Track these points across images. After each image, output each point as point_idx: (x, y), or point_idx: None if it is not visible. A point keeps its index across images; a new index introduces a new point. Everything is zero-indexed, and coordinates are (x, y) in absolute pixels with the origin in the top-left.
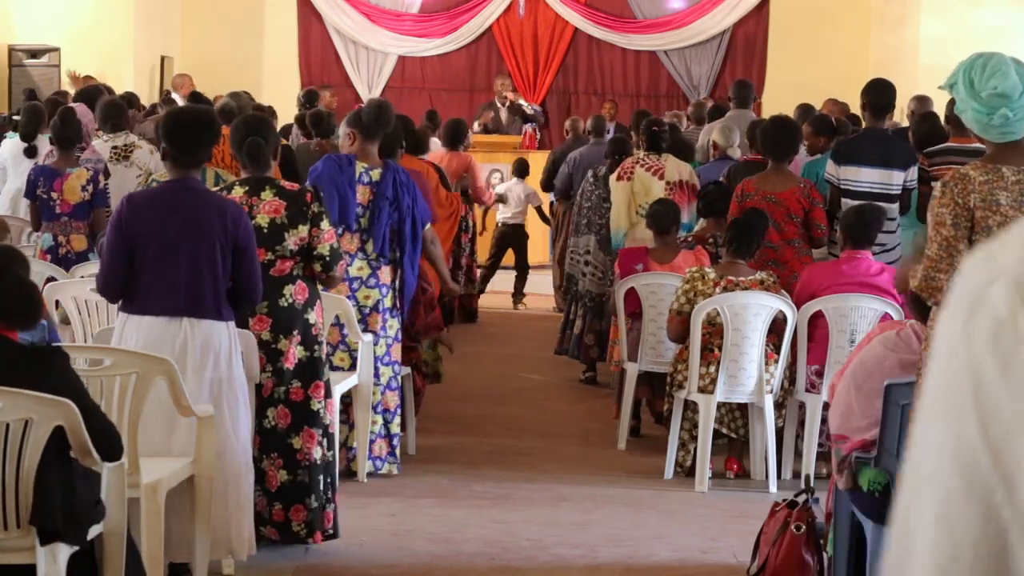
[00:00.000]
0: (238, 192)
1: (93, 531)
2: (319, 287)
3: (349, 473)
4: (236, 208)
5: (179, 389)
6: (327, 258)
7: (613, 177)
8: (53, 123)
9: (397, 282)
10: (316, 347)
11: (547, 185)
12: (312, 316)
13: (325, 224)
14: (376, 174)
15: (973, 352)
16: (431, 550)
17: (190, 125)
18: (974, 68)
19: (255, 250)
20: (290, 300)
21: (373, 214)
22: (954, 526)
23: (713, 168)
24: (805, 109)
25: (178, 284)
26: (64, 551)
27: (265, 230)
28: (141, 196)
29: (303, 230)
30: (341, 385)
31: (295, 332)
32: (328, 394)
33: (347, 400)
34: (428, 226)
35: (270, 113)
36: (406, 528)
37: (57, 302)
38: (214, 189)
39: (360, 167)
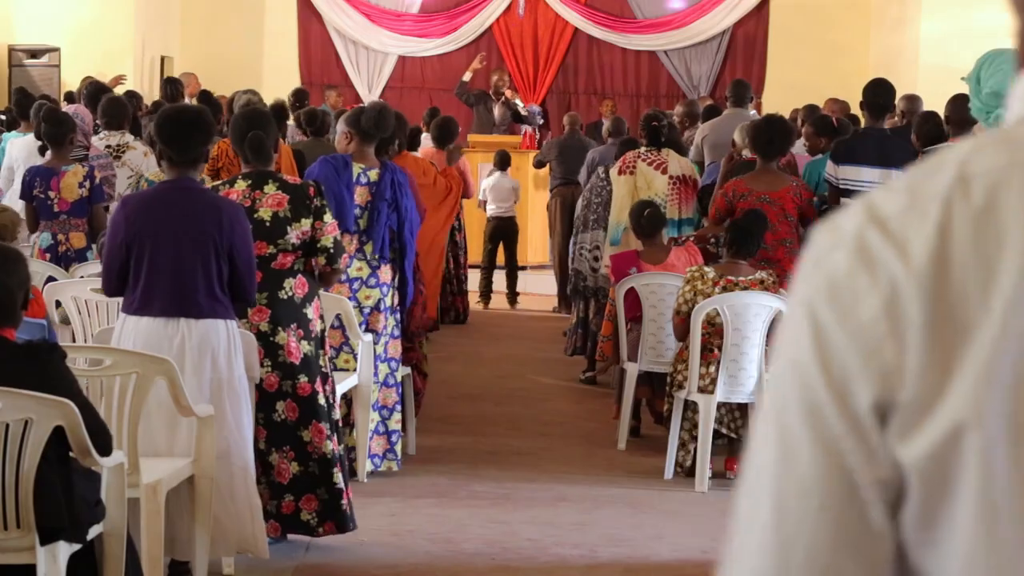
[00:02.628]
0: (241, 186)
1: (93, 531)
2: (318, 285)
3: (349, 473)
4: (232, 207)
5: (179, 389)
6: (331, 250)
7: (614, 171)
8: (43, 123)
9: (397, 282)
10: (315, 342)
11: (538, 163)
12: (310, 311)
13: (328, 217)
14: (374, 175)
15: (813, 307)
16: (431, 550)
17: (183, 124)
18: (985, 63)
19: (251, 250)
20: (290, 293)
21: (372, 216)
22: (791, 455)
23: (717, 168)
24: (811, 109)
25: (174, 284)
26: (64, 551)
27: (268, 223)
28: (137, 197)
29: (306, 223)
30: (341, 385)
31: (294, 325)
32: (333, 390)
33: (343, 399)
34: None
35: (280, 108)
36: (406, 528)
37: (58, 302)
38: (214, 184)
39: (357, 168)
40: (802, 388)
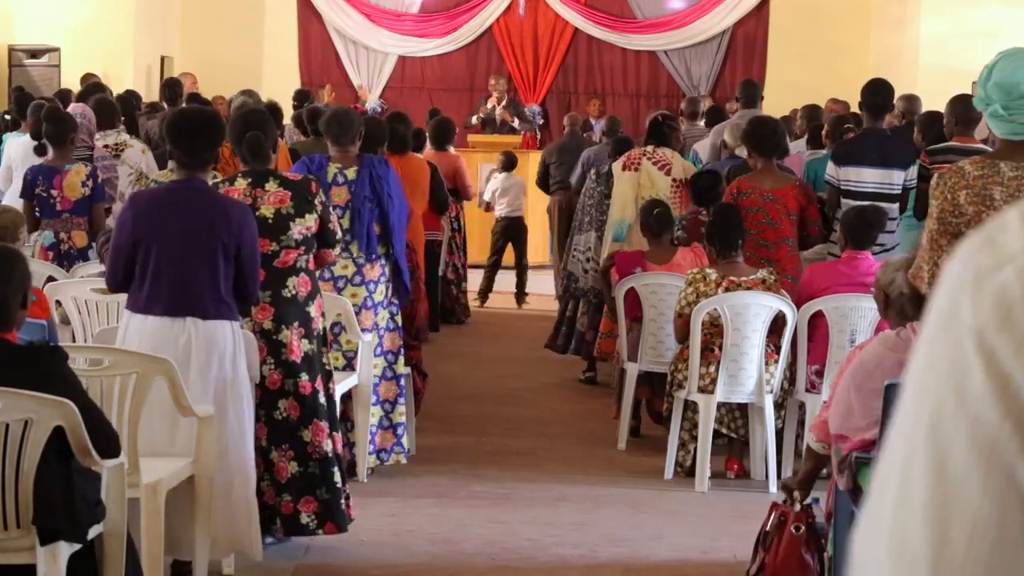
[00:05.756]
0: (241, 184)
1: (93, 531)
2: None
3: (350, 471)
4: (241, 208)
5: (179, 389)
6: (336, 234)
7: (618, 167)
8: (44, 123)
9: (389, 274)
10: (317, 340)
11: (542, 184)
12: (312, 310)
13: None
14: (351, 173)
15: (983, 335)
16: (431, 550)
17: (192, 127)
18: (1004, 57)
19: (256, 253)
20: (293, 292)
21: (354, 215)
22: (958, 490)
23: (719, 167)
24: (811, 110)
25: (181, 284)
26: (64, 551)
27: (270, 220)
28: (146, 195)
29: (310, 219)
30: (341, 385)
31: (296, 324)
32: (332, 389)
33: (343, 398)
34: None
35: (274, 109)
36: (406, 528)
37: (58, 302)
38: (215, 182)
39: (334, 168)
40: (972, 421)
